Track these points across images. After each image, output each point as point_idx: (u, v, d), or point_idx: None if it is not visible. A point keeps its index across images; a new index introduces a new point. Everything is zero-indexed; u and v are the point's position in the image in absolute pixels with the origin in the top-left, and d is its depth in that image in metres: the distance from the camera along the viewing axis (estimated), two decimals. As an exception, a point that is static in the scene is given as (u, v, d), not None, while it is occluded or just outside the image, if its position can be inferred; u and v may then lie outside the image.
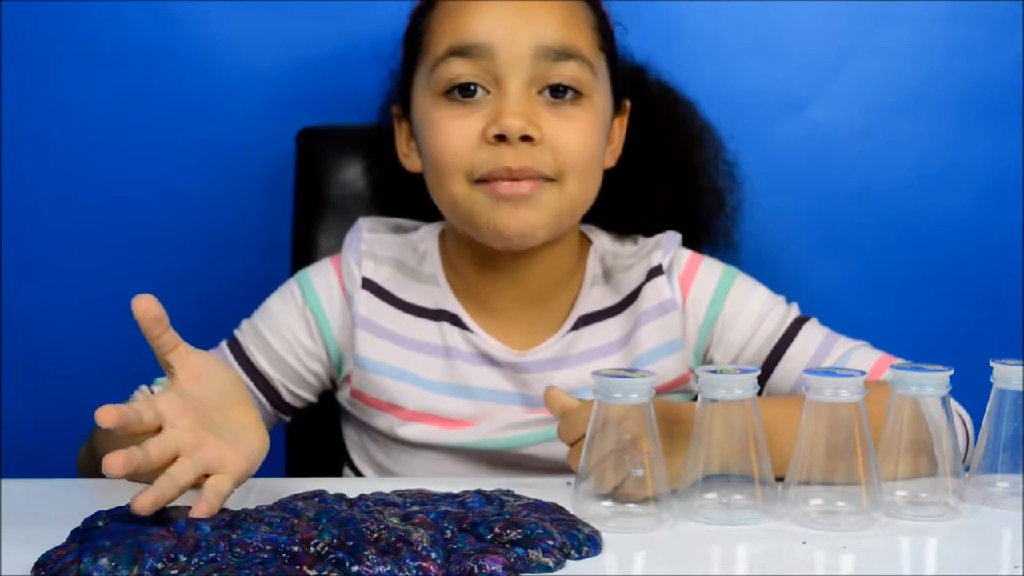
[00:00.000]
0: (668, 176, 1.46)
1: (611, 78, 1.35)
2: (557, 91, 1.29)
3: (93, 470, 1.25)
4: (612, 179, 1.38)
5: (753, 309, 1.35)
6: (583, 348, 1.35)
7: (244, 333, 1.37)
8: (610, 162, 1.38)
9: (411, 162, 1.39)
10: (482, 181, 1.27)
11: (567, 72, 1.29)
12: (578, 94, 1.30)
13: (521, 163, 1.26)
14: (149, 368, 1.35)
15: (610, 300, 1.37)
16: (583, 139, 1.30)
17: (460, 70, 1.28)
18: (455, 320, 1.35)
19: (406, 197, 1.46)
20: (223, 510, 1.01)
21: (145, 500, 0.97)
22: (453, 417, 1.33)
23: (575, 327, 1.35)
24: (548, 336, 1.35)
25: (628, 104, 1.41)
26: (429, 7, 1.34)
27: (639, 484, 1.03)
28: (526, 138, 1.26)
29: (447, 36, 1.30)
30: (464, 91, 1.29)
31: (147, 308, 1.02)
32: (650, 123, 1.44)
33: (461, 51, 1.28)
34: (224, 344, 1.37)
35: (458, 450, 1.33)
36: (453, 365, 1.34)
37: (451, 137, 1.28)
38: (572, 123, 1.29)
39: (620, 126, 1.40)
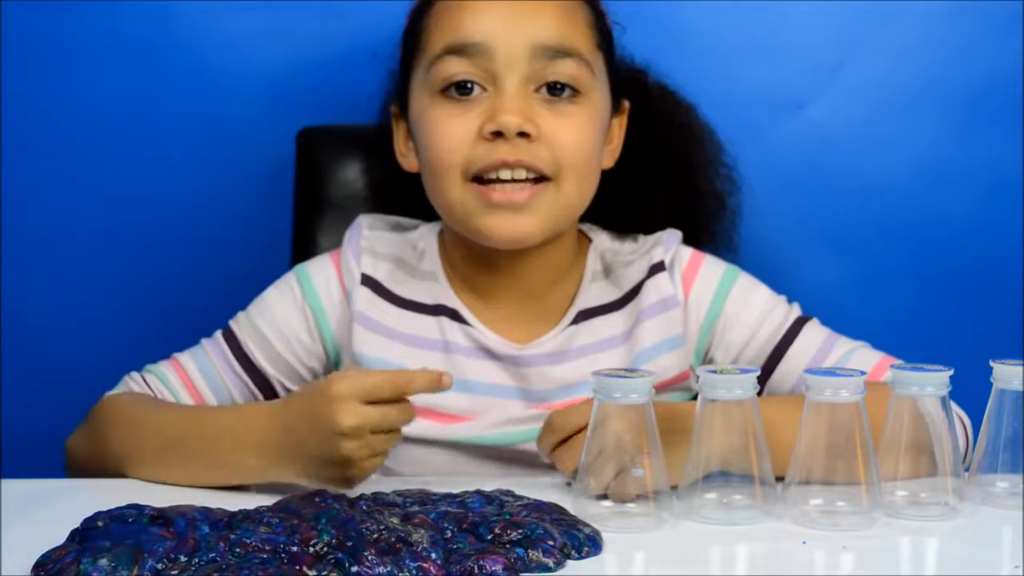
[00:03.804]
0: (668, 179, 1.46)
1: (609, 77, 1.35)
2: (554, 89, 1.29)
3: (91, 456, 1.24)
4: (612, 181, 1.37)
5: (754, 309, 1.35)
6: (583, 342, 1.35)
7: (241, 328, 1.35)
8: (608, 162, 1.38)
9: (408, 162, 1.38)
10: (477, 179, 1.27)
11: (564, 70, 1.29)
12: (575, 92, 1.30)
13: (517, 156, 1.26)
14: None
15: (611, 295, 1.37)
16: (580, 137, 1.30)
17: (457, 68, 1.28)
18: (454, 315, 1.35)
19: (405, 197, 1.45)
20: (222, 510, 1.00)
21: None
22: (452, 412, 1.33)
23: (575, 321, 1.35)
24: (548, 330, 1.35)
25: (627, 104, 1.40)
26: (427, 6, 1.34)
27: (639, 484, 1.03)
28: (523, 135, 1.26)
29: (444, 35, 1.30)
30: (461, 89, 1.29)
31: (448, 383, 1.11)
32: (650, 126, 1.44)
33: (458, 49, 1.28)
34: (219, 335, 1.35)
35: (456, 445, 1.33)
36: (452, 360, 1.34)
37: (447, 135, 1.28)
38: (569, 121, 1.29)
39: (619, 126, 1.40)
